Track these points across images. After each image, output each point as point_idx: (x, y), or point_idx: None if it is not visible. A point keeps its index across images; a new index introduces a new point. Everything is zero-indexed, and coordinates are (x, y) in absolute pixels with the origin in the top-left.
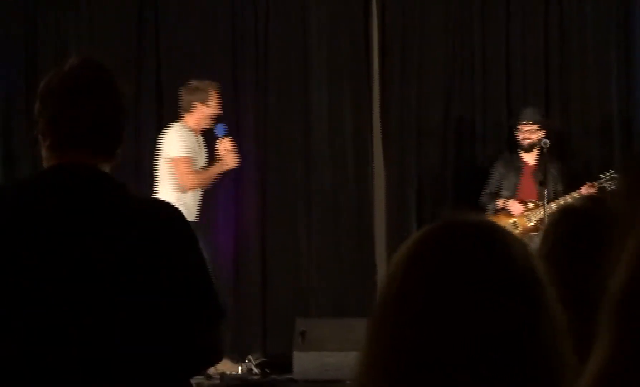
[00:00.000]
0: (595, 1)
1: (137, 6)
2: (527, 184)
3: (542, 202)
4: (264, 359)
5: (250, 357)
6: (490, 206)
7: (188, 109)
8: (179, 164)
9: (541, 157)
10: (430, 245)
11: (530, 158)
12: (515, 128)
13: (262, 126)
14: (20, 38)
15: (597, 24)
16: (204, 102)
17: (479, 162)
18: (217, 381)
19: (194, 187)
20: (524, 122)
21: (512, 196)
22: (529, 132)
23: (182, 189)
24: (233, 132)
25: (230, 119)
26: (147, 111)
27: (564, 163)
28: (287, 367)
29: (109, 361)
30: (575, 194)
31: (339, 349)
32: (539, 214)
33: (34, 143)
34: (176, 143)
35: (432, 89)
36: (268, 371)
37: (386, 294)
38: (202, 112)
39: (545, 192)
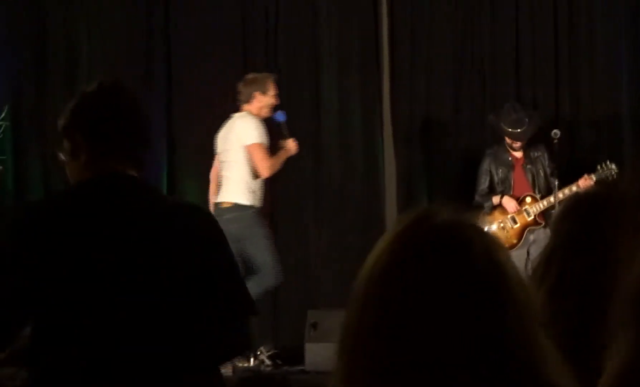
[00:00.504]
0: None
1: None
2: (519, 177)
3: (539, 195)
4: (276, 351)
5: (262, 349)
6: (486, 204)
7: (248, 100)
8: (258, 151)
9: (551, 148)
10: (393, 248)
11: (517, 152)
12: (502, 129)
13: None
14: (30, 32)
15: (607, 15)
16: (263, 92)
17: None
18: (230, 373)
19: (270, 174)
20: (515, 133)
21: (507, 191)
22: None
23: (259, 175)
24: None
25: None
26: (157, 103)
27: (572, 153)
28: (299, 358)
29: (139, 358)
30: (574, 187)
31: None
32: (538, 207)
33: (49, 148)
34: (252, 130)
35: (441, 80)
36: (280, 363)
37: (354, 297)
38: (262, 102)
39: (557, 182)
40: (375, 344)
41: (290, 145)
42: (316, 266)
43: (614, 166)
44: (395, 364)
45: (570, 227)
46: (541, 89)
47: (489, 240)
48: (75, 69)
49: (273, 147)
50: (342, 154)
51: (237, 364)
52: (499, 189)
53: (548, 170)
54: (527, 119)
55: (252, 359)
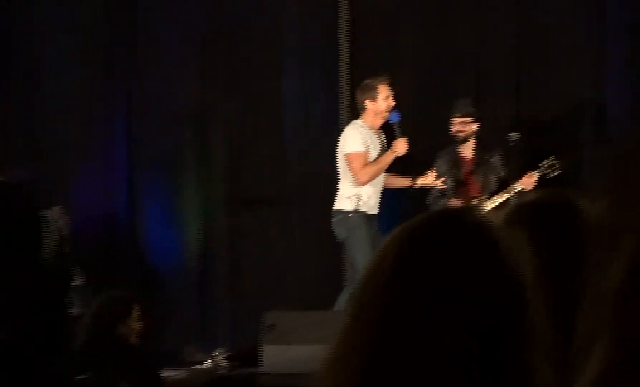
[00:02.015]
0: None
1: None
2: (469, 179)
3: (486, 196)
4: (233, 352)
5: (218, 350)
6: (435, 207)
7: (362, 108)
8: (353, 159)
9: (507, 151)
10: (420, 239)
11: (467, 151)
12: (449, 121)
13: (233, 116)
14: None
15: (569, 14)
16: (373, 99)
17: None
18: (186, 375)
19: (368, 180)
20: (456, 115)
21: (457, 192)
22: (461, 125)
23: (359, 183)
24: (203, 121)
25: (201, 108)
26: (118, 100)
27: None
28: (256, 360)
29: None
30: (516, 185)
31: (307, 343)
32: (483, 209)
33: None
34: (350, 139)
35: (402, 80)
36: (236, 364)
37: (367, 287)
38: (373, 109)
39: (515, 185)
40: (374, 335)
41: (399, 145)
42: (275, 267)
43: (557, 161)
44: (394, 361)
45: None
46: (502, 89)
47: (519, 247)
48: (37, 66)
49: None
50: (303, 153)
51: (193, 366)
52: (450, 191)
53: (502, 173)
54: (473, 110)
55: (207, 361)
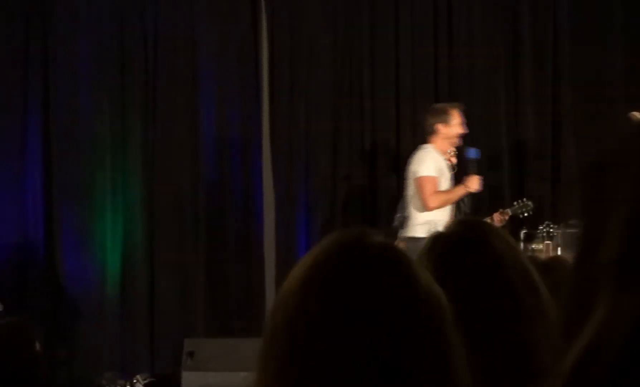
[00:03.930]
0: (483, 23)
1: (24, 21)
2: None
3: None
4: (152, 379)
5: (138, 377)
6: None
7: (431, 132)
8: (425, 184)
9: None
10: (331, 263)
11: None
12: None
13: (151, 145)
14: None
15: (485, 48)
16: (445, 123)
17: (368, 180)
18: None
19: (436, 207)
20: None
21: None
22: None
23: (427, 208)
24: (121, 147)
25: (118, 138)
26: (34, 127)
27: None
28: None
29: None
30: (488, 220)
31: (227, 369)
32: None
33: None
34: (423, 163)
35: (320, 107)
36: None
37: (280, 314)
38: (444, 133)
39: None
40: (290, 363)
41: (473, 183)
42: (194, 294)
43: (530, 203)
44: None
45: (432, 263)
46: (421, 124)
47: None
48: None
49: (459, 180)
50: (222, 180)
51: None
52: None
53: (468, 209)
54: None
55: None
